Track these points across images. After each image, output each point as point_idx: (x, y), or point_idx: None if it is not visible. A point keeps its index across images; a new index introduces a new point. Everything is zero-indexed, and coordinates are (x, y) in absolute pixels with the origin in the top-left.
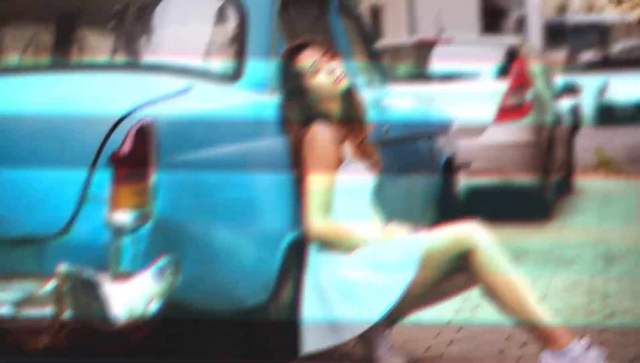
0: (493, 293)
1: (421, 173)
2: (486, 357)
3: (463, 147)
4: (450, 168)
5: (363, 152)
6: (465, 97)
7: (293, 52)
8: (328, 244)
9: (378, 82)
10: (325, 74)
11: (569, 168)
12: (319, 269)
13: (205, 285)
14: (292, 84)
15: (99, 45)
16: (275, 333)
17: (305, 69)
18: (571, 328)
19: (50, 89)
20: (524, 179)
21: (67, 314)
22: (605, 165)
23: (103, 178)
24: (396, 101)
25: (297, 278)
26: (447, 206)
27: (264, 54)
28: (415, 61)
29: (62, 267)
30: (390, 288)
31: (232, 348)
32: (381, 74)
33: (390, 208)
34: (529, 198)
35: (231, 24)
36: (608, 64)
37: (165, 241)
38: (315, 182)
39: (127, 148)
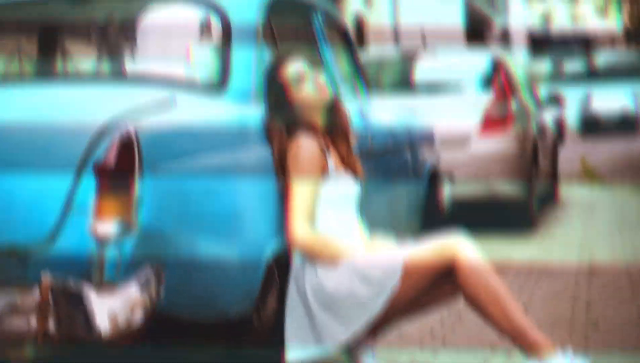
0: (477, 304)
1: (405, 183)
2: None
3: (447, 158)
4: (434, 179)
5: (347, 163)
6: (449, 109)
7: (277, 63)
8: (312, 255)
9: (362, 93)
10: (310, 84)
11: (553, 178)
12: (303, 280)
13: (189, 295)
14: (277, 95)
15: (83, 56)
16: (259, 343)
17: (289, 80)
18: (555, 337)
19: (35, 100)
20: (508, 189)
21: (50, 325)
22: (589, 175)
23: (87, 188)
24: (380, 112)
25: (280, 289)
26: (431, 217)
27: (248, 65)
28: (399, 72)
29: (46, 277)
30: (374, 299)
31: (215, 359)
32: (365, 85)
33: (375, 218)
34: (513, 208)
35: (215, 35)
36: (592, 74)
37: (150, 251)
38: (300, 193)
39: (111, 158)
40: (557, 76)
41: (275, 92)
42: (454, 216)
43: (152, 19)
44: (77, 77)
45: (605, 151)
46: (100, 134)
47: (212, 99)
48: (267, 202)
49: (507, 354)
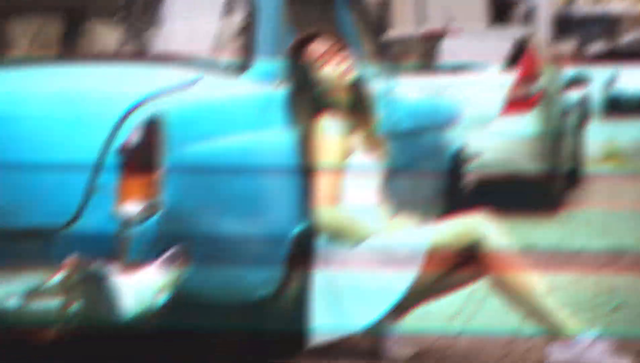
0: (501, 285)
1: (429, 164)
2: (494, 349)
3: (471, 138)
4: (458, 159)
5: (371, 143)
6: (473, 89)
7: (301, 44)
8: (336, 236)
9: (386, 74)
10: (334, 65)
11: (577, 159)
12: (327, 261)
13: (213, 276)
14: (300, 76)
15: (107, 36)
16: (283, 324)
17: (313, 60)
18: (578, 320)
19: (59, 81)
20: (532, 170)
21: (75, 306)
22: (614, 156)
23: (112, 168)
24: (405, 93)
25: (304, 270)
26: (455, 198)
27: (272, 46)
28: (424, 53)
29: (71, 258)
30: (398, 280)
31: (240, 340)
32: (389, 65)
33: (399, 199)
34: (538, 189)
35: (240, 16)
36: (616, 55)
37: (174, 232)
38: (323, 174)
39: (135, 139)
40: (581, 56)
41: (299, 72)
42: (477, 197)
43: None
44: (102, 58)
45: (629, 132)
46: (125, 115)
47: (236, 79)
48: (290, 183)
49: (531, 335)
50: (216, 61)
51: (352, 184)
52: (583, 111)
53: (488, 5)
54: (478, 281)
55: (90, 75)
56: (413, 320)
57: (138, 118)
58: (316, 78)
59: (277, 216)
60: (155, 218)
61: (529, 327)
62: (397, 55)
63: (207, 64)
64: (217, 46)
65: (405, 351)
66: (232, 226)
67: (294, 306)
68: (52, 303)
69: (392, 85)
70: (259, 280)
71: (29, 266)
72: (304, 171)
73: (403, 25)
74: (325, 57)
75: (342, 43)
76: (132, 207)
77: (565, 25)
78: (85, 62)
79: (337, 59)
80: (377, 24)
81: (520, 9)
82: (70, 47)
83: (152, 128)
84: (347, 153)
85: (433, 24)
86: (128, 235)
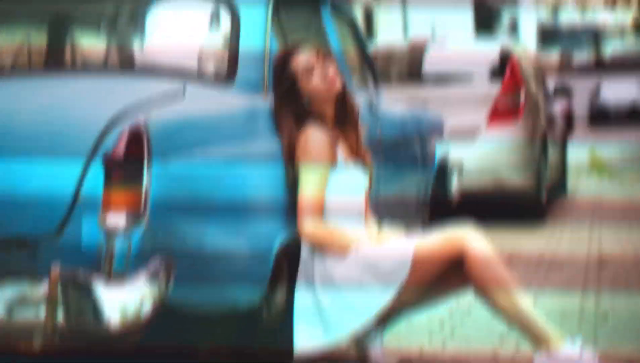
0: (486, 295)
1: (414, 175)
2: (479, 359)
3: (456, 149)
4: (443, 170)
5: (356, 154)
6: (458, 100)
7: (286, 54)
8: (321, 246)
9: (371, 84)
10: (319, 76)
11: (562, 170)
12: (312, 271)
13: (198, 287)
14: (286, 86)
15: (92, 47)
16: (268, 336)
17: (299, 70)
18: (564, 329)
19: (44, 92)
20: (517, 181)
21: (60, 316)
22: (598, 167)
23: (97, 179)
24: (389, 103)
25: (290, 281)
26: (440, 209)
27: (257, 56)
28: (409, 63)
29: (55, 269)
30: (383, 290)
31: (225, 351)
32: (374, 76)
33: (384, 210)
34: (522, 199)
35: (224, 26)
36: (601, 66)
37: (159, 243)
38: (309, 184)
39: (120, 149)
40: (566, 66)
41: (285, 83)
42: (462, 207)
43: (162, 11)
44: (87, 69)
45: (614, 142)
46: (110, 125)
47: (221, 90)
48: (276, 193)
49: (516, 346)
50: (201, 71)
51: (338, 194)
52: (568, 122)
53: (473, 16)
54: (463, 291)
55: (75, 85)
56: (399, 331)
57: (123, 129)
58: (301, 88)
59: (263, 227)
60: (140, 229)
61: (514, 337)
62: (382, 66)
63: (192, 75)
64: (202, 57)
65: (391, 361)
66: (217, 237)
67: (279, 319)
68: (36, 313)
69: (377, 95)
70: (244, 290)
71: (13, 276)
72: (289, 182)
73: (388, 35)
74: (311, 67)
75: (327, 53)
76: (117, 218)
77: (550, 35)
78: (71, 72)
79: (322, 69)
80: (363, 34)
81: (506, 20)
82: (55, 57)
83: (137, 139)
84: (332, 164)
85: (418, 35)
86: (112, 245)
